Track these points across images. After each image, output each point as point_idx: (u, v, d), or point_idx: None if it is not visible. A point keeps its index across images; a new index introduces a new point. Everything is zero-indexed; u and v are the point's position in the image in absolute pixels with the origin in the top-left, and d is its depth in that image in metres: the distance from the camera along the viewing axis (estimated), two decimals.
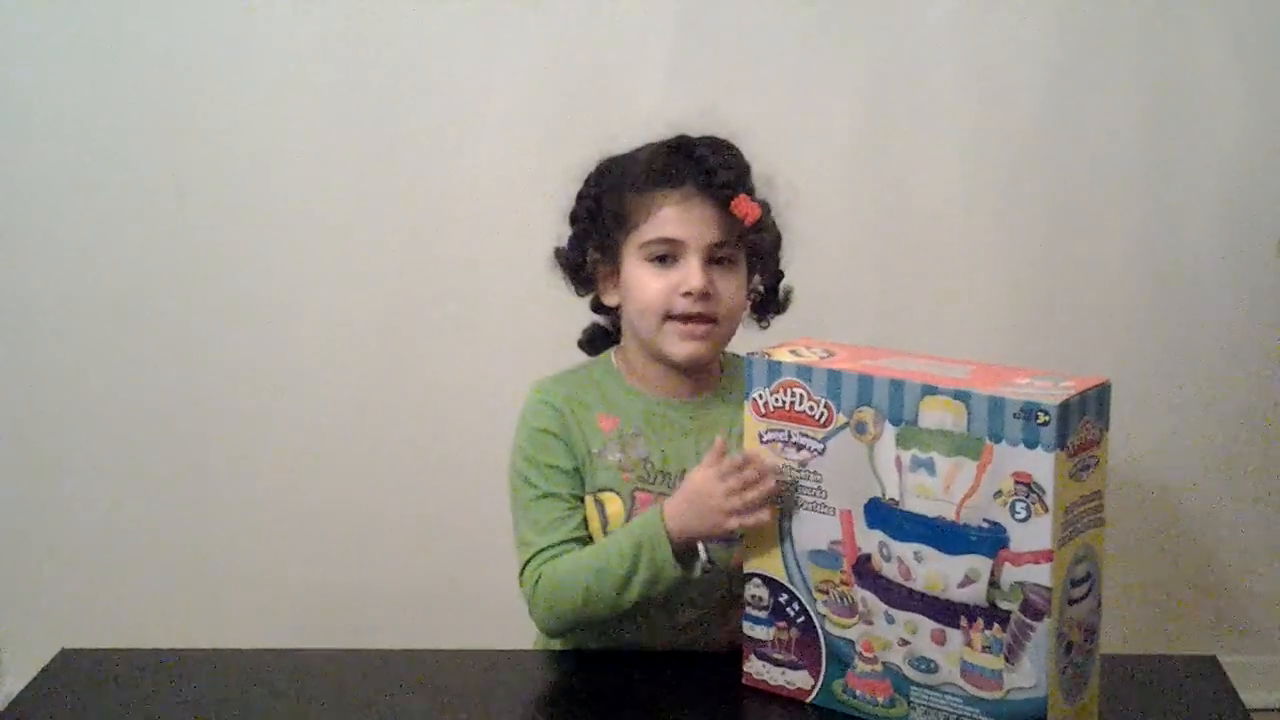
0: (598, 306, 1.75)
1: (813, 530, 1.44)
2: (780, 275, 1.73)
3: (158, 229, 2.52)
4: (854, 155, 2.49)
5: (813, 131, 2.47)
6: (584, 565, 1.57)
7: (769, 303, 1.74)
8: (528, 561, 1.61)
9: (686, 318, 1.61)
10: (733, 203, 1.59)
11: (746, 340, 1.71)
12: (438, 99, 2.49)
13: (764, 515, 1.47)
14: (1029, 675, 1.33)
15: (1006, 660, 1.33)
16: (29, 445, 2.60)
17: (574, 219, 1.70)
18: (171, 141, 2.49)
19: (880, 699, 1.43)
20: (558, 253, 1.71)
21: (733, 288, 1.63)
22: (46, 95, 2.49)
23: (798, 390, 1.43)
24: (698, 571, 1.56)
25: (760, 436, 1.46)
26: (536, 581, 1.60)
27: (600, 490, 1.64)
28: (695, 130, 1.66)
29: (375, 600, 2.58)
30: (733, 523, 1.48)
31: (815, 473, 1.43)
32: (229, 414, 2.58)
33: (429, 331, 2.55)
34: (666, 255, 1.61)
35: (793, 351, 1.47)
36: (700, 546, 1.56)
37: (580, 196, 1.70)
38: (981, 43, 2.48)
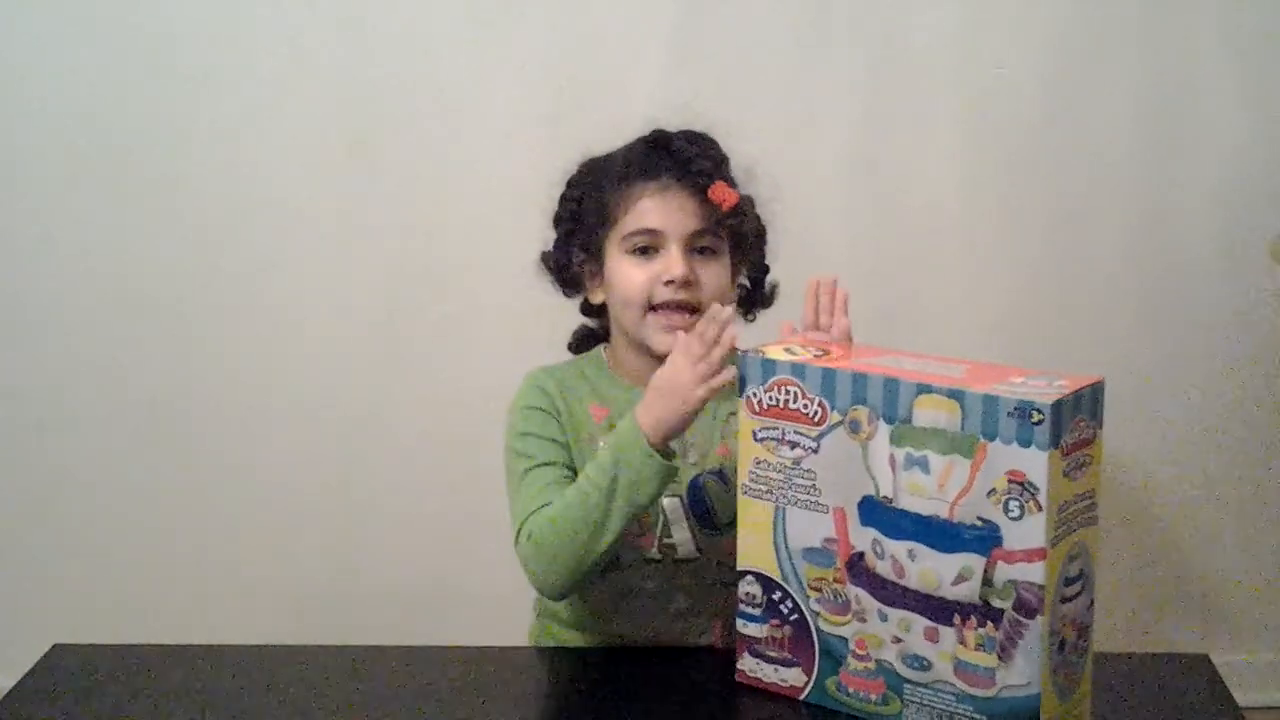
0: (587, 310, 1.76)
1: (806, 528, 1.44)
2: (766, 269, 1.74)
3: (153, 228, 2.52)
4: (850, 155, 2.50)
5: (810, 131, 2.48)
6: (566, 496, 1.55)
7: (755, 296, 1.75)
8: (521, 525, 1.59)
9: (669, 308, 1.61)
10: (709, 189, 1.61)
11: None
12: (434, 99, 2.49)
13: (729, 373, 1.45)
14: (1022, 673, 1.33)
15: (999, 658, 1.34)
16: (22, 442, 2.60)
17: (557, 221, 1.72)
18: (167, 141, 2.49)
19: (873, 696, 1.43)
20: (544, 256, 1.73)
21: (715, 276, 1.64)
22: (43, 93, 2.49)
23: (792, 388, 1.43)
24: (679, 462, 1.54)
25: (754, 434, 1.46)
26: (528, 536, 1.57)
27: None
28: (676, 125, 1.67)
29: (369, 597, 2.58)
30: (701, 391, 1.47)
31: (809, 471, 1.43)
32: (222, 411, 2.58)
33: (425, 331, 2.55)
34: (648, 247, 1.63)
35: (787, 349, 1.47)
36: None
37: (562, 198, 1.72)
38: (978, 43, 2.48)
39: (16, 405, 2.59)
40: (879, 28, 2.47)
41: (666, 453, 1.52)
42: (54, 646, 1.65)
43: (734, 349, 1.48)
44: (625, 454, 1.51)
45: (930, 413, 1.34)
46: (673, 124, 1.68)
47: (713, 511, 1.64)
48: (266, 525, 2.59)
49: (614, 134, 1.70)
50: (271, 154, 2.50)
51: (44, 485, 2.61)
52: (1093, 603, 1.39)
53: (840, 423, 1.40)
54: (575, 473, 1.63)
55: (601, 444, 1.64)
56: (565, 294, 1.74)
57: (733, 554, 1.52)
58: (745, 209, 1.65)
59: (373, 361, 2.56)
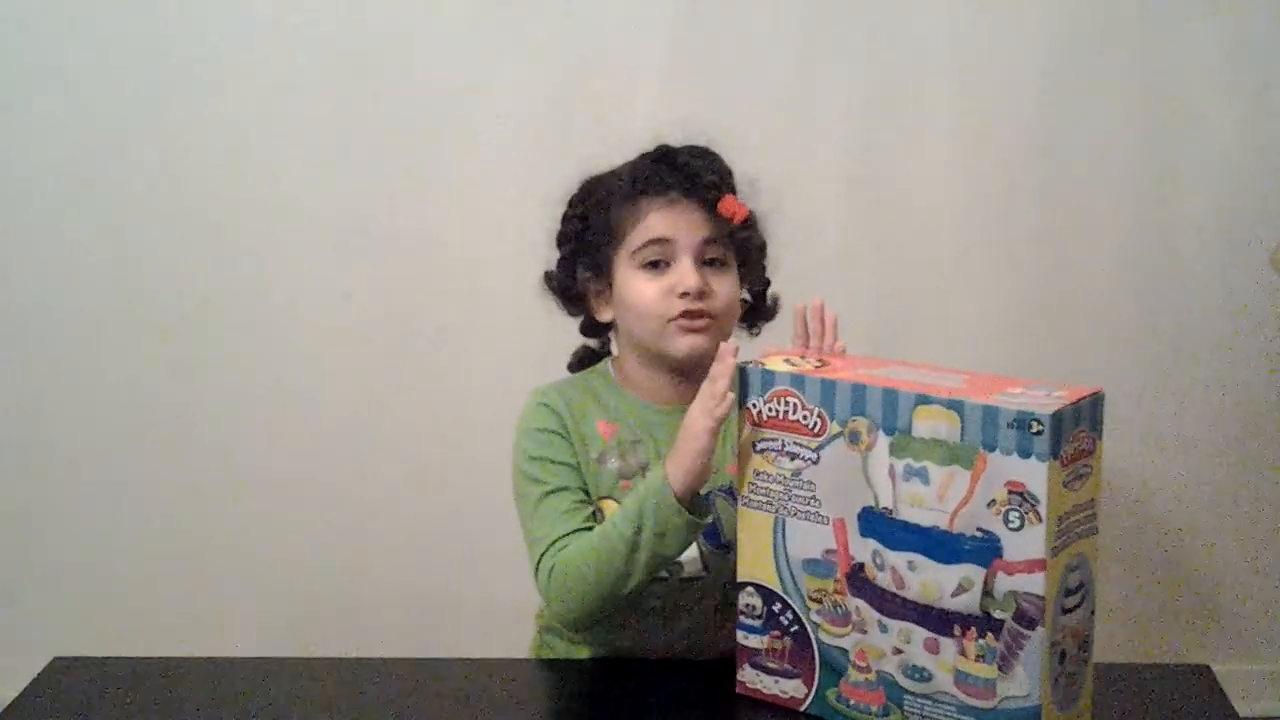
0: (587, 330, 1.75)
1: (806, 539, 1.44)
2: (768, 283, 1.75)
3: (154, 231, 2.52)
4: (848, 164, 2.50)
5: (807, 140, 2.48)
6: (592, 539, 1.56)
7: (759, 310, 1.75)
8: (541, 556, 1.59)
9: (685, 315, 1.61)
10: (720, 203, 1.61)
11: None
12: (436, 105, 2.49)
13: (729, 401, 1.46)
14: (1022, 684, 1.33)
15: (1000, 669, 1.33)
16: (22, 452, 2.60)
17: (561, 241, 1.72)
18: (167, 144, 2.49)
19: (874, 708, 1.43)
20: (547, 277, 1.73)
21: (727, 287, 1.64)
22: (41, 95, 2.49)
23: (791, 399, 1.43)
24: (708, 518, 1.55)
25: (754, 446, 1.46)
26: (550, 572, 1.57)
27: (600, 498, 1.64)
28: (679, 140, 1.68)
29: (371, 609, 2.58)
30: (707, 421, 1.48)
31: (809, 482, 1.43)
32: (224, 421, 2.58)
33: (427, 340, 2.55)
34: (659, 260, 1.62)
35: (786, 361, 1.47)
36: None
37: (565, 218, 1.71)
38: (975, 51, 2.49)
39: (14, 415, 2.59)
40: (878, 34, 2.48)
41: (695, 505, 1.53)
42: (54, 659, 1.65)
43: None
44: (651, 505, 1.52)
45: (929, 423, 1.34)
46: (675, 139, 1.68)
47: (721, 529, 1.64)
48: (268, 537, 2.59)
49: (615, 147, 1.70)
50: (271, 159, 2.50)
51: (44, 495, 2.60)
52: (1093, 613, 1.39)
53: (840, 434, 1.40)
54: (587, 493, 1.63)
55: (611, 461, 1.64)
56: (570, 313, 1.74)
57: (736, 573, 1.51)
58: (753, 220, 1.66)
59: (375, 372, 2.56)
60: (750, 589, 1.49)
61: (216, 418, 2.58)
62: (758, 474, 1.46)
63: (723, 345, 1.49)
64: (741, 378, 1.47)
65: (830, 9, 2.47)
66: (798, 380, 1.43)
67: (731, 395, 1.46)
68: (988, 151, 2.51)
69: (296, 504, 2.58)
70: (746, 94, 2.46)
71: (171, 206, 2.51)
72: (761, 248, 1.70)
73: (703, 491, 1.57)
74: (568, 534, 1.59)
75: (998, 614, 1.33)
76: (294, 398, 2.57)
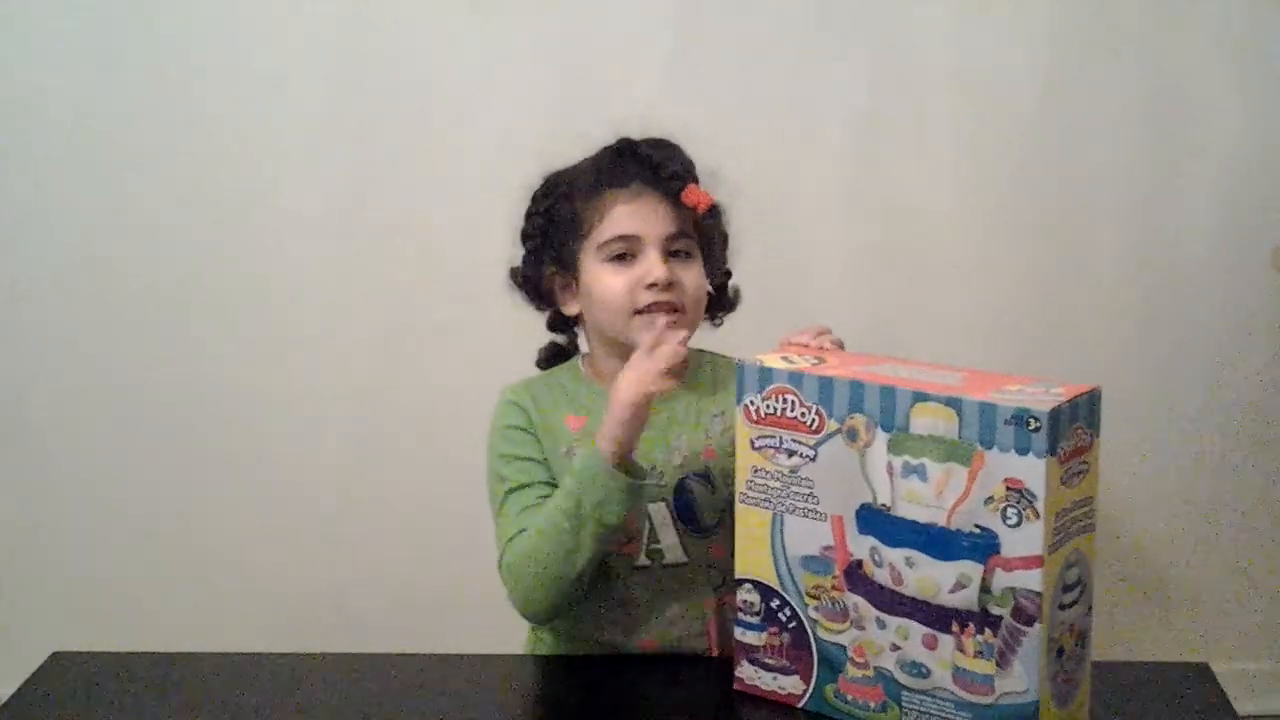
0: (554, 325, 1.76)
1: (804, 536, 1.44)
2: (729, 274, 1.75)
3: (152, 229, 2.52)
4: (848, 163, 2.49)
5: (807, 139, 2.47)
6: (538, 523, 1.57)
7: (720, 301, 1.75)
8: (502, 552, 1.61)
9: (654, 308, 1.61)
10: (683, 193, 1.62)
11: (706, 340, 1.73)
12: (433, 102, 2.49)
13: (665, 383, 1.50)
14: (1020, 680, 1.33)
15: (998, 665, 1.34)
16: (20, 447, 2.60)
17: (526, 236, 1.72)
18: (165, 144, 2.49)
19: (872, 704, 1.43)
20: (513, 273, 1.73)
21: (694, 277, 1.65)
22: (38, 91, 2.48)
23: (789, 396, 1.43)
24: (646, 478, 1.56)
25: (752, 443, 1.46)
26: (508, 568, 1.60)
27: None
28: (639, 133, 1.68)
29: (367, 604, 2.59)
30: (632, 396, 1.50)
31: (807, 479, 1.43)
32: (222, 416, 2.58)
33: (422, 337, 2.55)
34: (625, 253, 1.63)
35: (785, 358, 1.47)
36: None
37: (529, 214, 1.72)
38: (975, 52, 2.48)
39: (12, 410, 2.59)
40: (878, 33, 2.47)
41: (632, 469, 1.53)
42: (53, 654, 1.65)
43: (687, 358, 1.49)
44: (587, 476, 1.53)
45: (927, 420, 1.34)
46: (637, 131, 1.68)
47: (698, 514, 1.64)
48: (264, 532, 2.59)
49: (611, 139, 1.70)
50: (269, 155, 2.49)
51: (42, 491, 2.60)
52: (1091, 610, 1.39)
53: (838, 431, 1.40)
54: (555, 488, 1.63)
55: (579, 453, 1.64)
56: (536, 308, 1.74)
57: (719, 558, 1.52)
58: (719, 211, 1.66)
59: (370, 367, 2.56)
60: (748, 585, 1.49)
61: (213, 415, 2.58)
62: (756, 471, 1.46)
63: (671, 330, 1.52)
64: (739, 375, 1.47)
65: (831, 10, 2.47)
66: (795, 377, 1.43)
67: (671, 380, 1.49)
68: (988, 151, 2.50)
69: (293, 500, 2.59)
70: (747, 95, 2.45)
71: (168, 208, 2.51)
72: (724, 238, 1.71)
73: (677, 479, 1.60)
74: (523, 531, 1.60)
75: (995, 610, 1.33)
76: (292, 393, 2.57)
